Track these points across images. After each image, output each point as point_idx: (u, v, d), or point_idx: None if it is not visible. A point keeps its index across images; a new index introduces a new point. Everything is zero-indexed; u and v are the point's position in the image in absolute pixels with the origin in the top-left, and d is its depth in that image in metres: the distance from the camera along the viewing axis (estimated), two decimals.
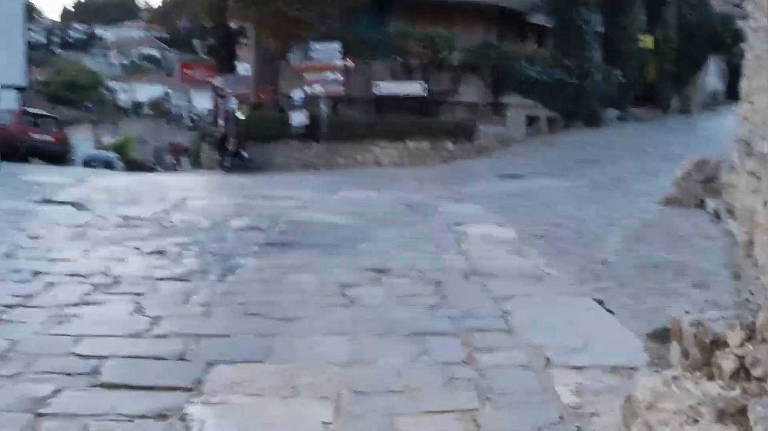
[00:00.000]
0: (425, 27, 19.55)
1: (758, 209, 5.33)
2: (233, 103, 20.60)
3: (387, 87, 19.18)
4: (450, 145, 18.20)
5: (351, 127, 18.66)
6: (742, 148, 7.87)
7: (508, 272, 6.15)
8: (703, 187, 9.51)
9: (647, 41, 26.06)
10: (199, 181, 15.09)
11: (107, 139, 52.12)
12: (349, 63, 18.83)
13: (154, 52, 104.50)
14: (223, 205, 10.26)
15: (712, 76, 34.86)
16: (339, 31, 20.47)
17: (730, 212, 8.25)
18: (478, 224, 8.75)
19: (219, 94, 21.18)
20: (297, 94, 19.32)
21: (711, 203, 9.10)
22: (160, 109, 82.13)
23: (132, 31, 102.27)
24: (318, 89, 18.77)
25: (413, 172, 16.44)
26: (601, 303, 5.20)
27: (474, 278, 5.96)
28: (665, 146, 18.08)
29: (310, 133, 18.78)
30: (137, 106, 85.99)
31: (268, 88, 21.49)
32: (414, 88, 19.11)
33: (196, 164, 23.93)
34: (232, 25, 22.00)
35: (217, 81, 21.09)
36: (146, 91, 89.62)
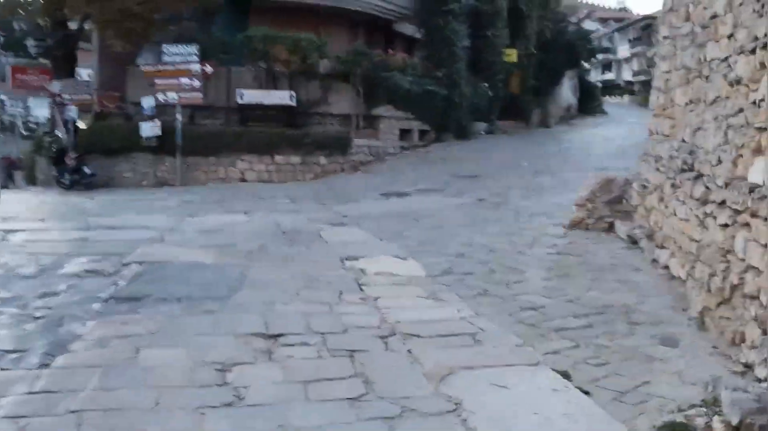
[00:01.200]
0: (288, 31, 18.10)
1: (746, 248, 4.38)
2: (73, 111, 18.09)
3: (251, 95, 17.55)
4: (323, 160, 16.86)
5: (211, 138, 16.91)
6: (669, 170, 7.11)
7: (433, 329, 4.88)
8: (610, 209, 8.79)
9: (511, 55, 26.09)
10: (30, 204, 12.72)
11: None
12: (208, 68, 17.08)
13: None
14: (57, 239, 8.25)
15: (566, 90, 36.00)
16: (195, 32, 18.59)
17: (651, 238, 7.48)
18: (375, 257, 7.46)
19: (57, 102, 18.52)
20: (147, 102, 17.31)
21: (622, 227, 8.37)
22: None
23: None
24: (172, 96, 16.89)
25: (284, 190, 14.90)
26: (566, 376, 4.03)
27: (394, 342, 4.63)
28: (537, 159, 17.83)
29: (164, 145, 16.85)
30: None
31: (113, 95, 19.19)
32: (281, 96, 17.61)
33: (31, 180, 20.92)
34: (72, 24, 19.40)
35: (54, 87, 18.44)
36: None
